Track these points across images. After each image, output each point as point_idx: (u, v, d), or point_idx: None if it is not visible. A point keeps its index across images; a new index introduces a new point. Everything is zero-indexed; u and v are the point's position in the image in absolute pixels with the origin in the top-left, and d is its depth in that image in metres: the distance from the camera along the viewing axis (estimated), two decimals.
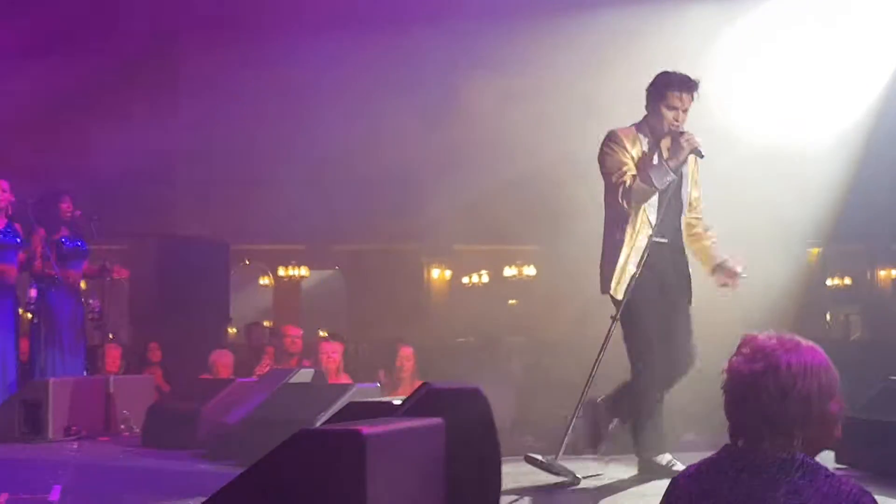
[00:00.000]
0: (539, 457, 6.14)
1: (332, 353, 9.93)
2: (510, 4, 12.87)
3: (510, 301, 21.22)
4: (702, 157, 6.31)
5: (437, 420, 3.88)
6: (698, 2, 11.31)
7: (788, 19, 11.27)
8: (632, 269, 6.23)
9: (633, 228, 6.29)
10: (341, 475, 3.09)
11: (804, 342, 2.77)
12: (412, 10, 13.20)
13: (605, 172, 6.38)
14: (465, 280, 22.21)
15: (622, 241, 6.29)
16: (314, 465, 3.13)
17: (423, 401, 4.03)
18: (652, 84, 6.43)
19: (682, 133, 6.27)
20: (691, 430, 8.42)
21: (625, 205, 6.25)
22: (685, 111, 6.34)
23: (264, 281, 23.16)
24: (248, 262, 22.20)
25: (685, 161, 6.30)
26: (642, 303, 6.25)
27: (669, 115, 6.31)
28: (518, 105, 13.84)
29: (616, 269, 6.27)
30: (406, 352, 10.53)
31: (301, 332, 11.70)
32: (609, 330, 6.28)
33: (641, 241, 6.26)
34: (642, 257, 6.24)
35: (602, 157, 6.39)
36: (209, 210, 17.52)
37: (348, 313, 21.13)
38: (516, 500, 5.65)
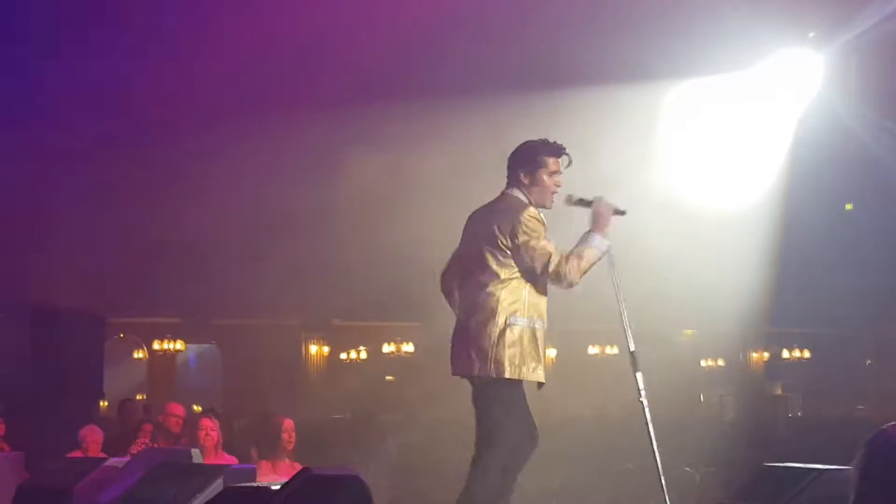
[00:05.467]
0: None
1: (211, 431, 9.65)
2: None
3: (388, 377, 21.17)
4: (623, 213, 5.99)
5: None
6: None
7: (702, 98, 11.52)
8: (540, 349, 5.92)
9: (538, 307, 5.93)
10: None
11: None
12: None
13: (536, 247, 5.81)
14: (343, 356, 22.11)
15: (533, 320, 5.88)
16: None
17: (302, 488, 4.00)
18: (525, 156, 6.04)
19: (595, 201, 5.96)
20: None
21: (572, 280, 5.79)
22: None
23: (139, 354, 22.75)
24: (122, 336, 21.79)
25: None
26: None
27: (552, 181, 6.01)
28: (401, 182, 13.88)
29: (528, 349, 5.84)
30: (288, 424, 10.21)
31: (184, 413, 11.39)
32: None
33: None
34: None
35: (529, 230, 5.82)
36: (84, 281, 17.13)
37: (224, 388, 20.86)
38: None
